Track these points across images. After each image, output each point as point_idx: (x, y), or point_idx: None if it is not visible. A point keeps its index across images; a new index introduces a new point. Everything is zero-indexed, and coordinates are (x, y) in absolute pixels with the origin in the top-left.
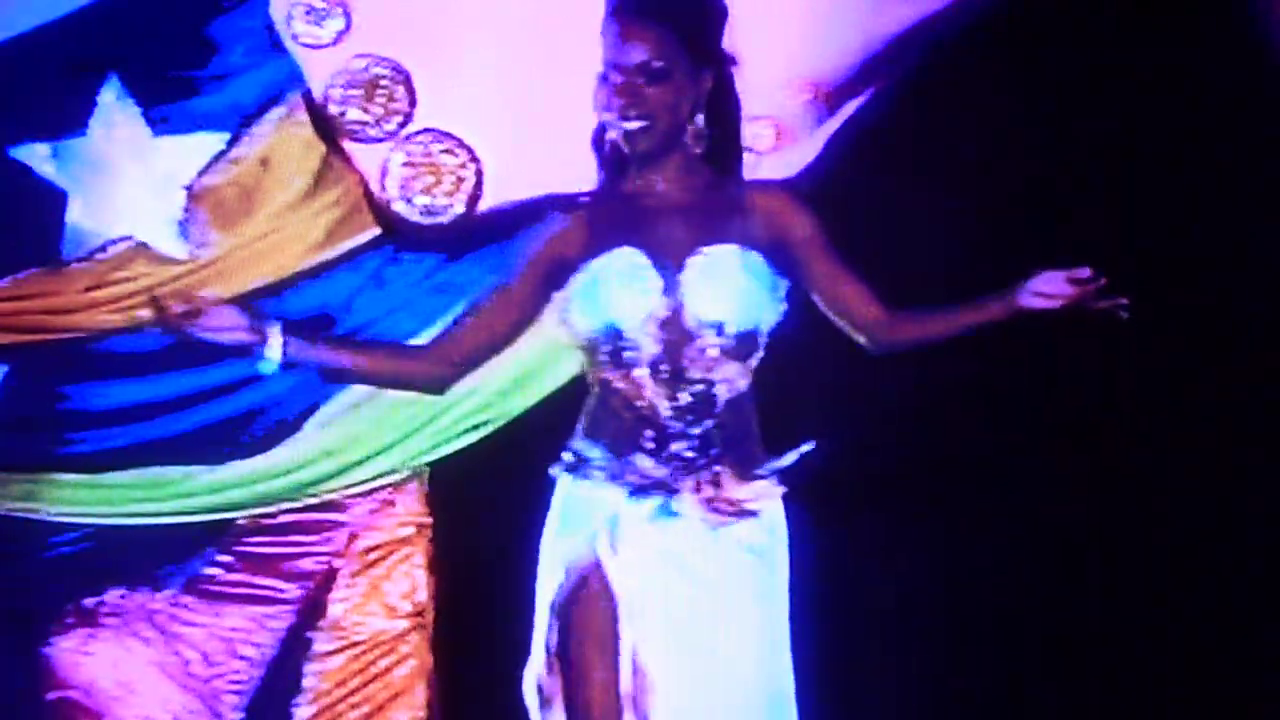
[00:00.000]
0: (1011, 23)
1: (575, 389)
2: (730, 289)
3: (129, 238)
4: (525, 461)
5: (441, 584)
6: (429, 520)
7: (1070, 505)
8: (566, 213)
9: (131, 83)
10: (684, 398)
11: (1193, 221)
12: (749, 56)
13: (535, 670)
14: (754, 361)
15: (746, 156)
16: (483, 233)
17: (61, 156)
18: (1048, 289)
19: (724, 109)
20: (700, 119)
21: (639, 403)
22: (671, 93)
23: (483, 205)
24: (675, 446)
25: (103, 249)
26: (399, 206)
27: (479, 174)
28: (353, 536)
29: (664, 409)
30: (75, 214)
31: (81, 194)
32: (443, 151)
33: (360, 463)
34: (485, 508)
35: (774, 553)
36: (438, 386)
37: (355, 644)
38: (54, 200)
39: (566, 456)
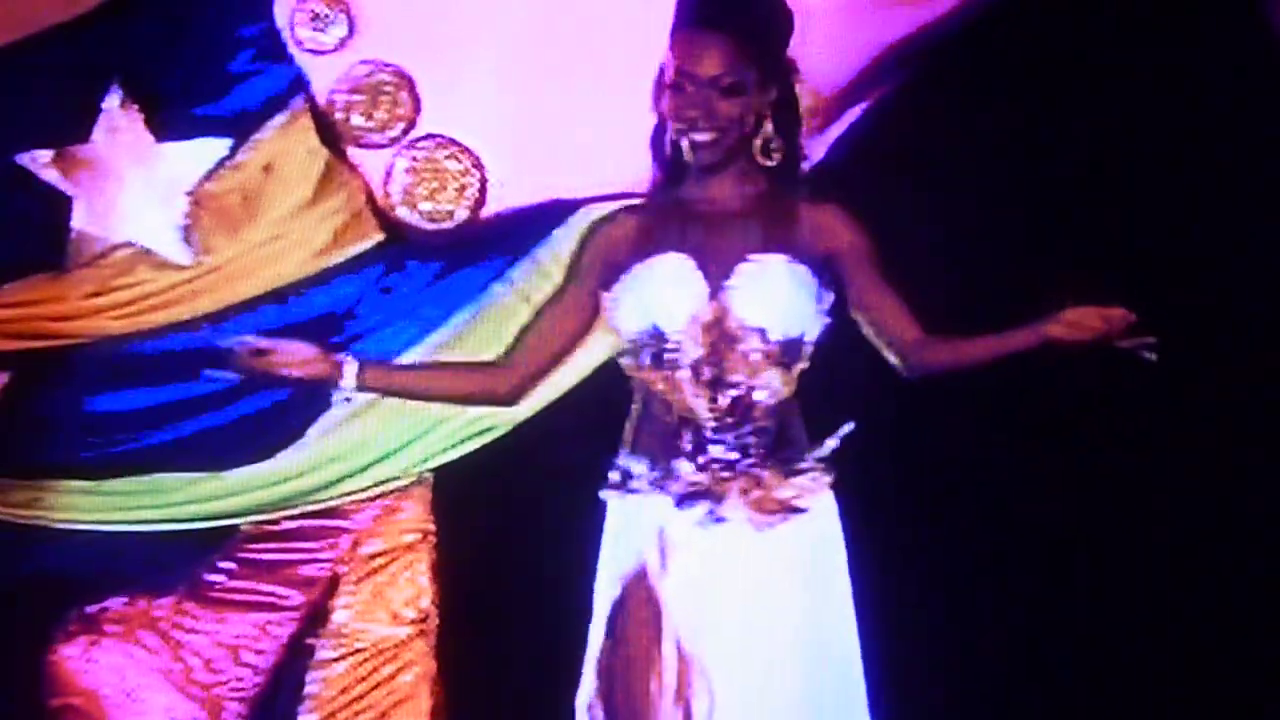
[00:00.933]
0: (1013, 29)
1: (580, 396)
2: (775, 296)
3: (132, 244)
4: (529, 468)
5: (445, 590)
6: (433, 527)
7: (1109, 516)
8: (622, 214)
9: (135, 89)
10: (724, 401)
11: (1197, 224)
12: None
13: (587, 688)
14: (797, 369)
15: None
16: (486, 239)
17: (65, 162)
18: (1079, 322)
19: (787, 119)
20: (768, 129)
21: (678, 405)
22: (742, 106)
23: (486, 211)
24: (714, 450)
25: (106, 255)
26: (402, 212)
27: (483, 180)
28: (356, 543)
29: (703, 411)
30: (78, 220)
31: (85, 200)
32: (446, 157)
33: (364, 469)
34: (489, 514)
35: (827, 548)
36: (511, 399)
37: (359, 650)
38: (57, 206)
39: (613, 475)
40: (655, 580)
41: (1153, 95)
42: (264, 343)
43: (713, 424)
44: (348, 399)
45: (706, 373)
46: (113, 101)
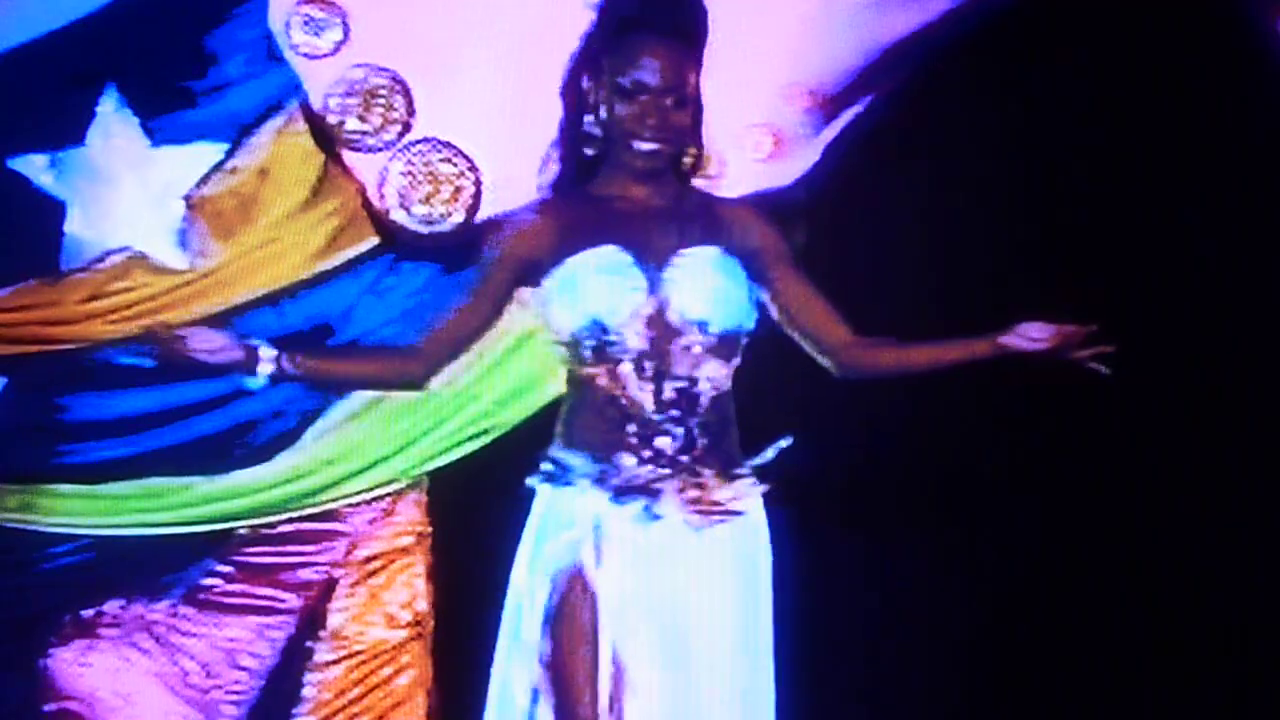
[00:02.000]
0: (1009, 30)
1: None
2: (713, 288)
3: (127, 248)
4: (524, 471)
5: (441, 593)
6: (428, 530)
7: (1056, 511)
8: (533, 211)
9: (130, 93)
10: (668, 394)
11: (1193, 226)
12: (747, 64)
13: (525, 682)
14: (735, 362)
15: (747, 163)
16: (481, 242)
17: (60, 167)
18: (1035, 334)
19: (699, 123)
20: (694, 137)
21: (623, 399)
22: (691, 115)
23: (481, 214)
24: (659, 443)
25: (101, 259)
26: (398, 216)
27: (477, 183)
28: (352, 546)
29: (648, 405)
30: (74, 225)
31: (80, 204)
32: (441, 161)
33: (360, 472)
34: (484, 517)
35: (757, 554)
36: (416, 383)
37: (355, 653)
38: (52, 211)
39: (545, 466)
40: (591, 576)
41: (1152, 96)
42: (178, 330)
43: (658, 416)
44: (267, 384)
45: (649, 366)
46: (108, 106)
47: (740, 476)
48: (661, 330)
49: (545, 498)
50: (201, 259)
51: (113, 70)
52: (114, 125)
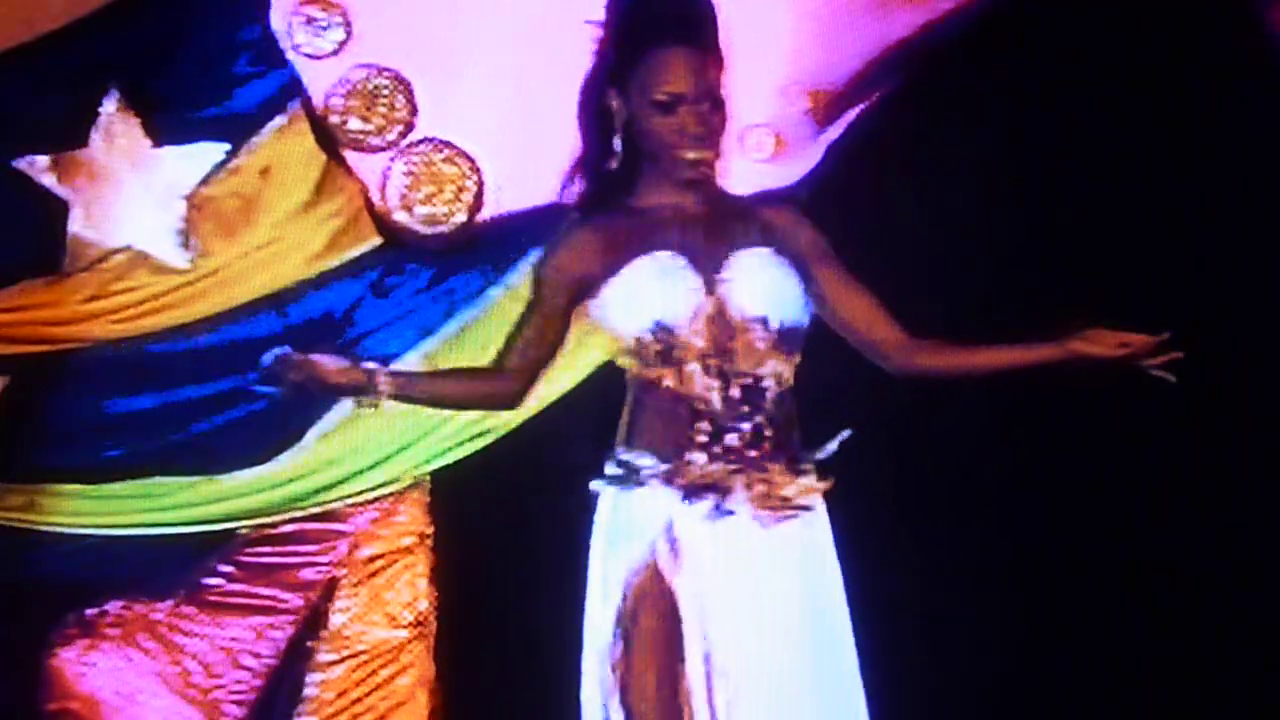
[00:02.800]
0: (1012, 30)
1: (576, 398)
2: (771, 285)
3: (129, 248)
4: (527, 471)
5: (443, 594)
6: (430, 530)
7: (1120, 512)
8: (579, 229)
9: (132, 93)
10: (735, 390)
11: (1194, 225)
12: (749, 65)
13: (598, 687)
14: (797, 357)
15: (748, 163)
16: (484, 242)
17: (62, 166)
18: (1108, 341)
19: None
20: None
21: (691, 398)
22: (726, 119)
23: (483, 215)
24: (729, 440)
25: (103, 259)
26: (400, 216)
27: (479, 183)
28: (354, 546)
29: (716, 402)
30: (76, 224)
31: (82, 204)
32: (443, 161)
33: (362, 472)
34: (486, 517)
35: (824, 549)
36: (514, 403)
37: (357, 654)
38: (55, 210)
39: (611, 469)
40: (668, 574)
41: (1152, 96)
42: (299, 357)
43: (727, 413)
44: (373, 406)
45: (714, 364)
46: (110, 106)
47: (805, 472)
48: (723, 328)
49: (610, 501)
50: (203, 259)
51: (115, 70)
52: (116, 125)
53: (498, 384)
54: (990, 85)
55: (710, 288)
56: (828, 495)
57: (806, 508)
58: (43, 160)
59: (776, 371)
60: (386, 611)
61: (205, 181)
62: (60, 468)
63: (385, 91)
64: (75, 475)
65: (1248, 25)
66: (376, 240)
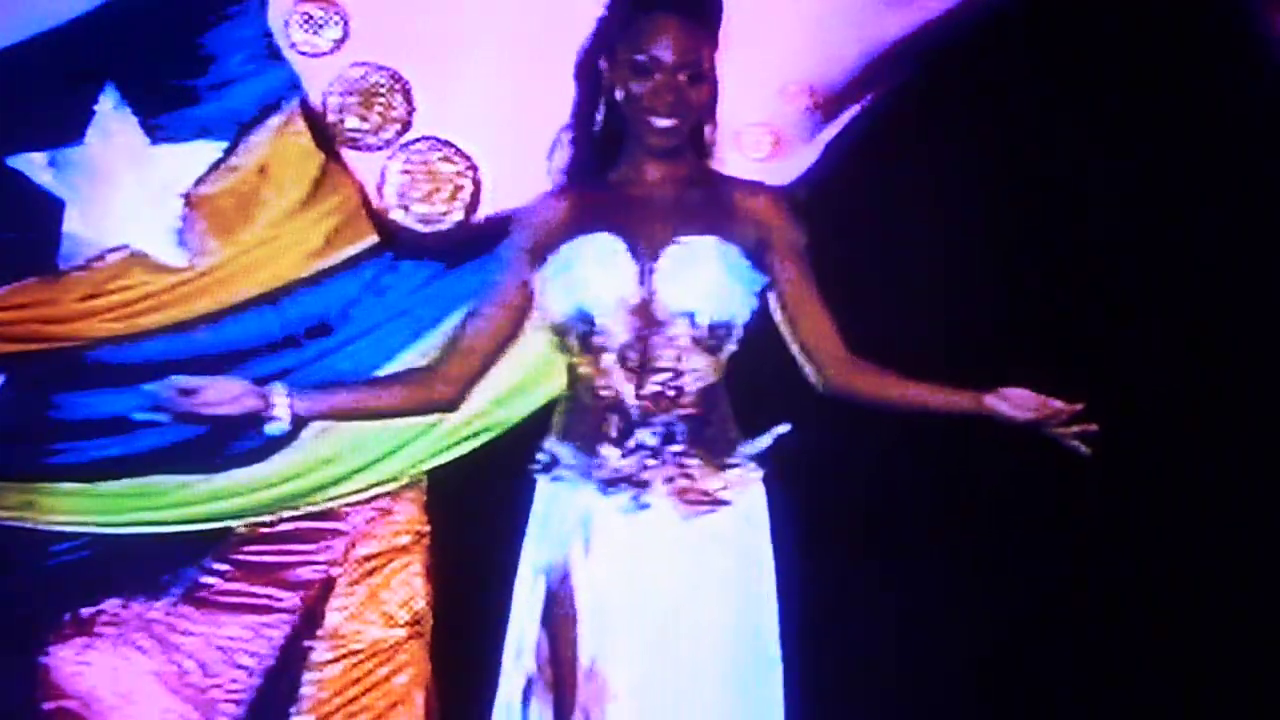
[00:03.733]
0: (1010, 29)
1: None
2: (704, 279)
3: (126, 246)
4: (523, 470)
5: (439, 592)
6: (427, 528)
7: (1072, 514)
8: (545, 200)
9: (129, 91)
10: (650, 387)
11: (1193, 224)
12: (747, 63)
13: (520, 679)
14: (726, 354)
15: (746, 162)
16: (480, 240)
17: (59, 165)
18: (1019, 403)
19: (715, 104)
20: (716, 114)
21: (605, 390)
22: (707, 92)
23: (480, 213)
24: (640, 436)
25: (100, 258)
26: (397, 214)
27: (476, 182)
28: (351, 545)
29: (630, 397)
30: (73, 223)
31: (79, 203)
32: (440, 159)
33: (358, 471)
34: (483, 516)
35: (751, 541)
36: (452, 404)
37: (353, 652)
38: (51, 209)
39: (540, 457)
40: (576, 568)
41: (1152, 96)
42: (190, 382)
43: (639, 410)
44: (283, 430)
45: (633, 358)
46: (107, 104)
47: (732, 466)
48: (646, 321)
49: (543, 491)
50: (200, 257)
51: (112, 68)
52: (113, 123)
53: (431, 387)
54: (988, 84)
55: (643, 277)
56: (771, 491)
57: (725, 502)
58: (39, 158)
59: (699, 368)
60: (383, 610)
61: (202, 180)
62: (57, 466)
63: (382, 90)
64: (72, 474)
65: (1248, 26)
66: (373, 239)
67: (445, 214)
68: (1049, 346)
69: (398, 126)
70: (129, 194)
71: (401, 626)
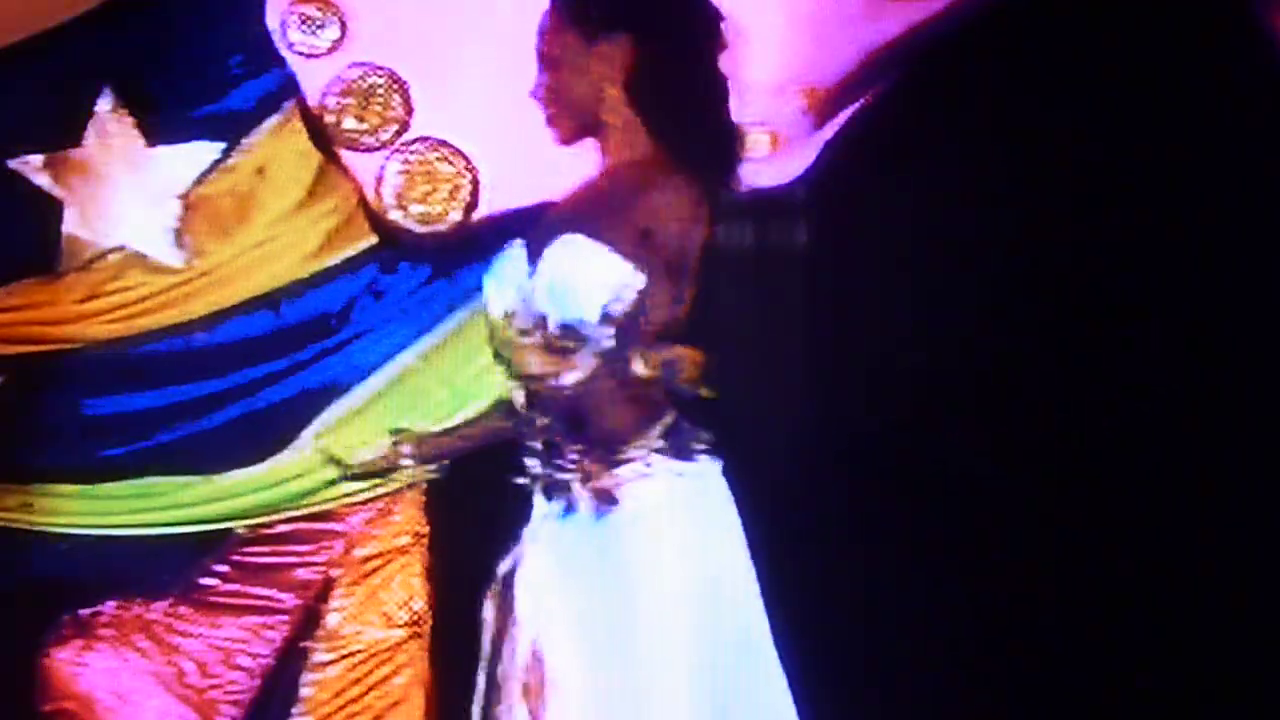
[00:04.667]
0: (1010, 28)
1: None
2: (559, 280)
3: (124, 247)
4: (523, 469)
5: (439, 593)
6: (426, 529)
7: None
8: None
9: (126, 93)
10: (531, 393)
11: (1197, 223)
12: (744, 62)
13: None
14: (588, 353)
15: (744, 162)
16: (479, 241)
17: (56, 166)
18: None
19: (644, 76)
20: (614, 92)
21: (516, 399)
22: (562, 76)
23: (479, 213)
24: (544, 441)
25: (98, 259)
26: (395, 215)
27: (475, 182)
28: (350, 546)
29: (519, 403)
30: (70, 224)
31: (77, 204)
32: (439, 160)
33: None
34: (483, 517)
35: (649, 536)
36: None
37: (353, 654)
38: (49, 210)
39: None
40: (517, 577)
41: (1153, 96)
42: None
43: (533, 417)
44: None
45: (513, 365)
46: (104, 105)
47: (625, 462)
48: (525, 326)
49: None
50: (198, 258)
51: (109, 69)
52: (111, 125)
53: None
54: (987, 83)
55: (528, 278)
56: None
57: (616, 500)
58: (37, 159)
59: (555, 371)
60: (382, 611)
61: (200, 181)
62: (55, 468)
63: (380, 90)
64: (70, 475)
65: (1250, 26)
66: (372, 239)
67: (444, 214)
68: (1049, 346)
69: (396, 127)
70: (127, 195)
71: (401, 627)
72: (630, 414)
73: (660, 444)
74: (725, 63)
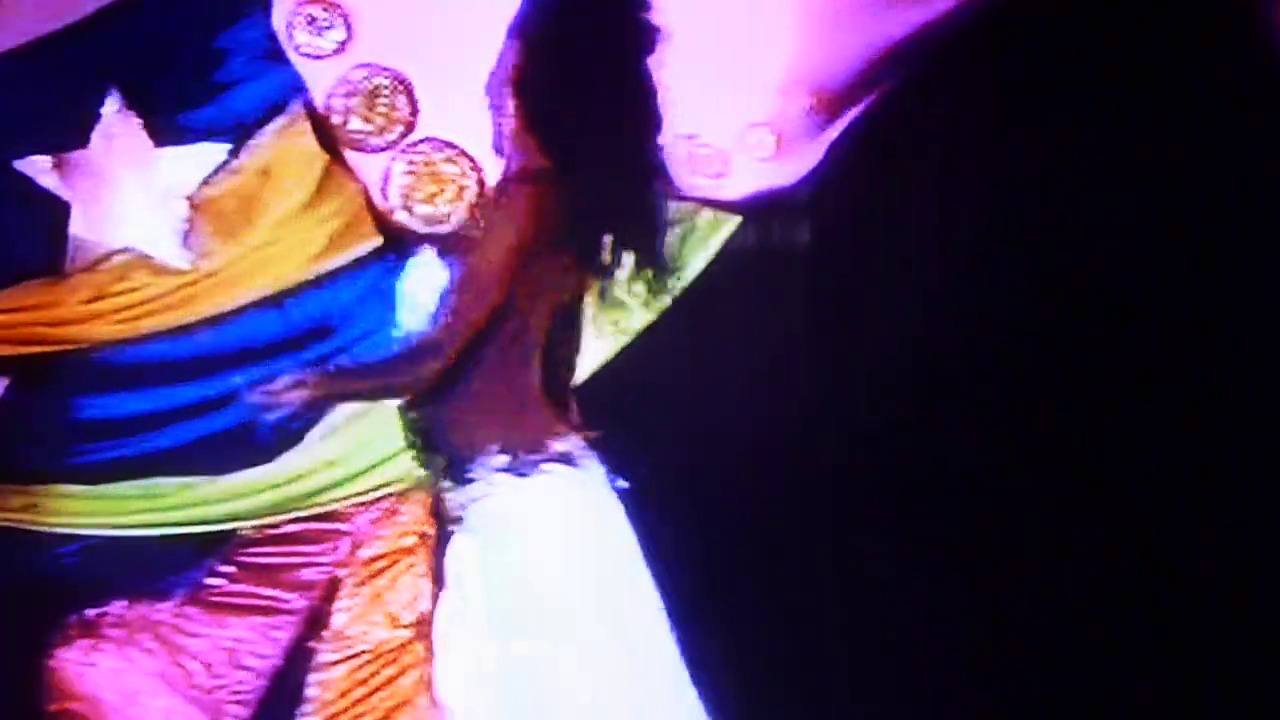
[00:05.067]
0: (1017, 28)
1: (577, 397)
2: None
3: (130, 249)
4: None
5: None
6: (432, 530)
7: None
8: None
9: (133, 94)
10: None
11: (1203, 225)
12: (747, 63)
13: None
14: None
15: (749, 162)
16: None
17: (63, 168)
18: None
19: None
20: (502, 95)
21: None
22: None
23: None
24: None
25: (103, 260)
26: (401, 216)
27: (480, 183)
28: (356, 546)
29: None
30: (76, 225)
31: (82, 205)
32: (444, 161)
33: (363, 472)
34: None
35: (494, 554)
36: None
37: (359, 654)
38: (55, 211)
39: None
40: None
41: (1155, 97)
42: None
43: None
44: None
45: None
46: (111, 107)
47: (469, 480)
48: None
49: None
50: (204, 259)
51: (116, 71)
52: (117, 126)
53: None
54: (991, 84)
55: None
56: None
57: (459, 519)
58: (43, 161)
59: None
60: (388, 611)
61: (206, 182)
62: (60, 469)
63: (386, 91)
64: (76, 476)
65: (1251, 26)
66: (377, 240)
67: (449, 215)
68: (1050, 346)
69: (401, 128)
70: (133, 196)
71: (406, 628)
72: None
73: (502, 465)
74: (659, 72)
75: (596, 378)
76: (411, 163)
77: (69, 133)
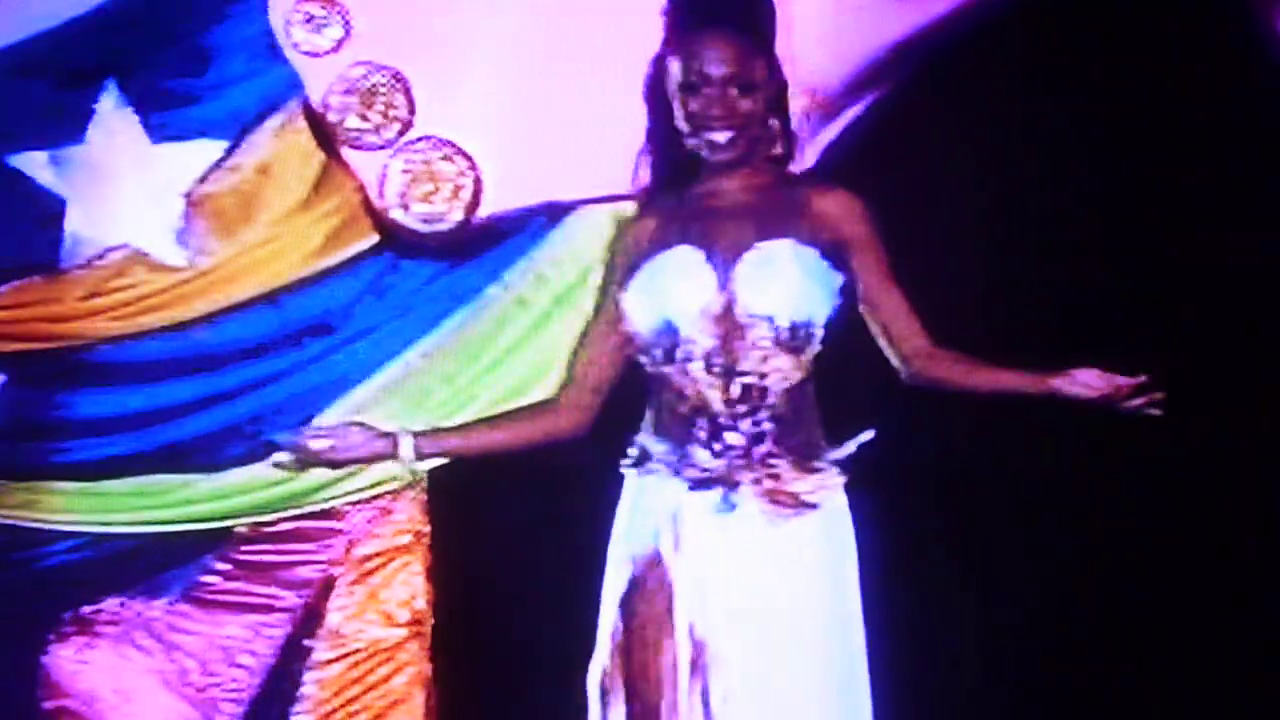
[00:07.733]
0: (1015, 29)
1: None
2: (782, 282)
3: (127, 245)
4: (523, 469)
5: (439, 592)
6: (427, 528)
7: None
8: (635, 219)
9: (130, 91)
10: (735, 390)
11: (1201, 221)
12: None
13: (599, 664)
14: (809, 354)
15: None
16: (481, 240)
17: (60, 164)
18: (1087, 382)
19: (784, 109)
20: (773, 121)
21: (692, 396)
22: (760, 102)
23: (481, 213)
24: (729, 438)
25: (101, 257)
26: (397, 214)
27: (477, 181)
28: (351, 544)
29: (716, 401)
30: (74, 222)
31: (80, 202)
32: (441, 159)
33: (359, 470)
34: (483, 516)
35: (836, 545)
36: (577, 432)
37: (354, 652)
38: (53, 208)
39: (632, 452)
40: (669, 562)
41: (1156, 96)
42: (318, 438)
43: (726, 413)
44: (411, 472)
45: (718, 363)
46: (108, 103)
47: (819, 469)
48: (729, 327)
49: (632, 483)
50: (201, 257)
51: (113, 67)
52: (114, 122)
53: (555, 420)
54: (991, 83)
55: (724, 284)
56: (854, 494)
57: (813, 505)
58: (41, 157)
59: (782, 369)
60: (383, 610)
61: (203, 179)
62: (58, 465)
63: (383, 89)
64: (73, 473)
65: (1253, 25)
66: (374, 238)
67: (446, 213)
68: (1051, 346)
69: (399, 126)
70: (130, 193)
71: (402, 626)
72: (816, 409)
73: (849, 452)
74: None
75: None
76: (409, 161)
77: (67, 129)
